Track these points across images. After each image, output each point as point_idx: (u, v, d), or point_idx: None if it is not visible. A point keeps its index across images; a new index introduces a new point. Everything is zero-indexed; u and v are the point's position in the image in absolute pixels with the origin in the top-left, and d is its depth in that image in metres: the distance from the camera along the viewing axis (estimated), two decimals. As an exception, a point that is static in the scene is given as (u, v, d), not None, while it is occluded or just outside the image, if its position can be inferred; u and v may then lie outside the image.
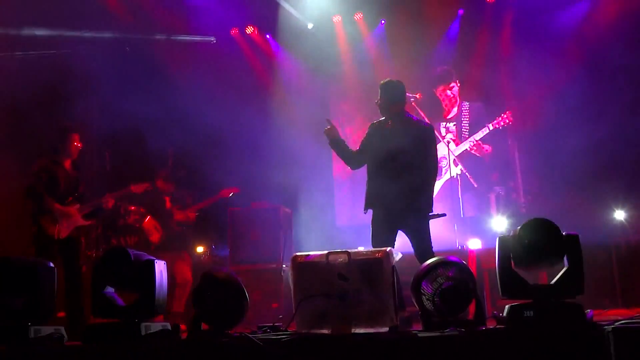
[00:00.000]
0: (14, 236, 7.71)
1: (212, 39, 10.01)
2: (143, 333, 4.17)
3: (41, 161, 6.52)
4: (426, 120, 6.53)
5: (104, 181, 7.97)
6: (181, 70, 9.19)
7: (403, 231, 5.52)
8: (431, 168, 5.60)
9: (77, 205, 6.56)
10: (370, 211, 5.63)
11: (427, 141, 5.61)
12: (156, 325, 4.30)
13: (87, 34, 9.19)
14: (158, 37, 9.70)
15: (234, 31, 10.05)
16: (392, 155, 5.47)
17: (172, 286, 7.10)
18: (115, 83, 8.78)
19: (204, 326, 4.25)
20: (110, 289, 4.44)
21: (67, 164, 6.62)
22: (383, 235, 5.45)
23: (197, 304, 4.25)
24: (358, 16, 9.73)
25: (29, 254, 6.97)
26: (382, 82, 5.74)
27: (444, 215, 5.83)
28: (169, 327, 4.34)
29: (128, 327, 4.19)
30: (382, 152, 5.51)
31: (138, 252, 4.47)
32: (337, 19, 9.78)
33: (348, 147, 5.81)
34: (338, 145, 5.77)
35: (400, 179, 5.41)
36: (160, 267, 4.40)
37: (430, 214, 5.55)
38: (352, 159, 5.81)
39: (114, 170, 8.10)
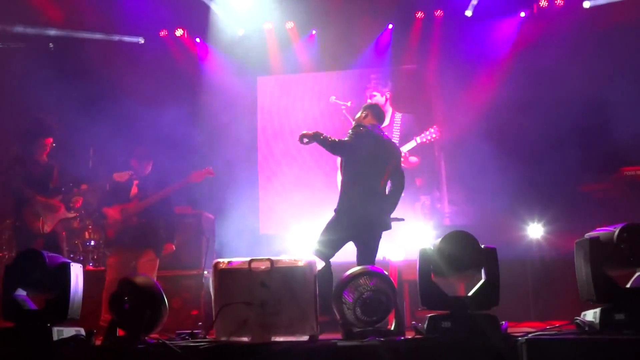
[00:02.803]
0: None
1: (141, 39, 9.83)
2: (55, 338, 4.02)
3: (13, 154, 6.25)
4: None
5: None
6: (107, 69, 8.97)
7: (355, 242, 5.57)
8: (401, 189, 5.76)
9: (60, 197, 6.28)
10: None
11: (399, 161, 5.84)
12: (69, 331, 4.16)
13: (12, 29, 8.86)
14: (84, 34, 9.44)
15: (163, 33, 9.90)
16: (375, 167, 5.57)
17: None
18: (38, 80, 8.50)
19: (120, 332, 4.14)
20: (22, 292, 4.28)
21: (39, 156, 6.36)
22: (336, 240, 5.48)
23: (114, 309, 4.13)
24: (289, 25, 9.74)
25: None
26: (369, 103, 6.23)
27: (402, 219, 5.93)
28: (83, 333, 4.20)
29: (38, 331, 4.04)
30: (366, 160, 5.56)
31: (53, 254, 4.33)
32: (268, 26, 9.77)
33: (328, 137, 5.68)
34: (319, 136, 5.66)
35: (375, 194, 5.54)
36: (76, 271, 4.27)
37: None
38: (338, 148, 5.69)
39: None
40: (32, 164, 6.25)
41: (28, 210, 6.07)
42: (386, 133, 5.98)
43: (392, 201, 5.69)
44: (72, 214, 6.45)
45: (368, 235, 5.56)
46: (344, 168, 5.74)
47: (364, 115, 5.88)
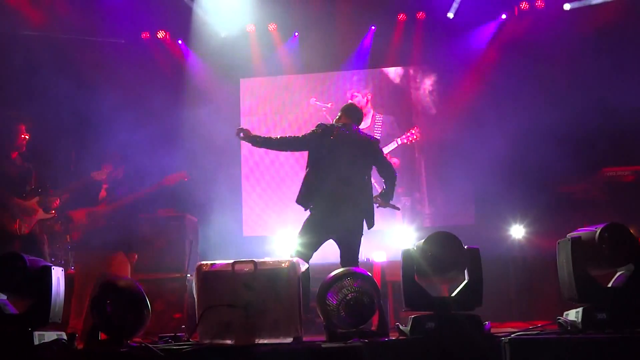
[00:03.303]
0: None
1: (122, 41, 9.77)
2: (36, 343, 3.98)
3: None
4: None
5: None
6: (88, 70, 8.91)
7: (335, 240, 5.56)
8: (392, 180, 5.74)
9: (37, 198, 6.17)
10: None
11: (376, 154, 5.75)
12: (51, 335, 4.11)
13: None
14: (64, 35, 9.36)
15: (145, 35, 9.86)
16: (344, 164, 5.52)
17: None
18: (17, 82, 8.43)
19: (102, 336, 4.10)
20: (2, 296, 4.23)
21: (15, 155, 6.20)
22: (316, 243, 5.47)
23: (95, 312, 4.10)
24: (272, 27, 9.74)
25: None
26: (345, 104, 6.09)
27: (398, 208, 5.94)
28: (64, 337, 4.16)
29: (19, 336, 3.99)
30: (331, 157, 5.53)
31: (33, 257, 4.28)
32: (250, 28, 9.76)
33: (268, 137, 5.81)
34: (256, 140, 5.71)
35: (347, 193, 5.48)
36: (58, 274, 4.22)
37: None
38: (279, 145, 5.82)
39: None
40: (8, 164, 6.15)
41: (3, 213, 5.97)
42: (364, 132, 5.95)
43: (387, 191, 5.70)
44: (49, 215, 6.34)
45: (348, 236, 5.55)
46: (307, 166, 5.71)
47: (338, 116, 5.91)
